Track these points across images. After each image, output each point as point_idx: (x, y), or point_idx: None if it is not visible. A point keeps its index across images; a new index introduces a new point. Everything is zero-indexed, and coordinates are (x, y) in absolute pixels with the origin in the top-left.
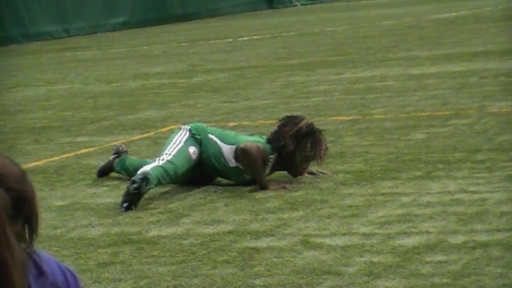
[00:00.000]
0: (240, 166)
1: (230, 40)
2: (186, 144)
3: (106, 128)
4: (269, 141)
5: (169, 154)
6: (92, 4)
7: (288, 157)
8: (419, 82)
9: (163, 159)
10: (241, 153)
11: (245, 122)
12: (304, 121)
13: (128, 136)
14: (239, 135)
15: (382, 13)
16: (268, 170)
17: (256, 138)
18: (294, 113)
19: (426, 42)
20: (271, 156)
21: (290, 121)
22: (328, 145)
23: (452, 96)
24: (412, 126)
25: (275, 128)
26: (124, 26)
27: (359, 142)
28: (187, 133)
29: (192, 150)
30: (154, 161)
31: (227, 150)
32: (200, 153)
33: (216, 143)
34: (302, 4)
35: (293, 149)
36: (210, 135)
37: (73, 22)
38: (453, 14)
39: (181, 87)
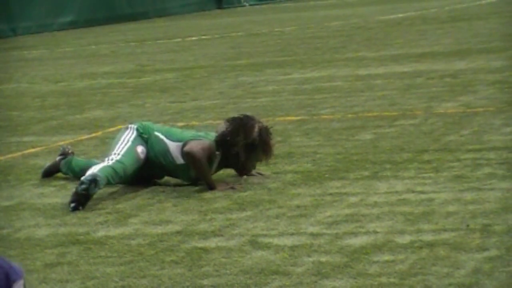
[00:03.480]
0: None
1: (178, 40)
2: (134, 143)
3: (53, 127)
4: (218, 143)
5: (118, 154)
6: (39, 3)
7: (236, 158)
8: (366, 83)
9: (112, 159)
10: (187, 157)
11: (194, 122)
12: (256, 131)
13: (75, 136)
14: (185, 131)
15: (330, 14)
16: (214, 167)
17: (202, 134)
18: (246, 114)
19: (374, 43)
20: (217, 153)
21: (243, 128)
22: (277, 145)
23: (399, 97)
24: (360, 127)
25: (225, 128)
26: (72, 25)
27: (307, 142)
28: (134, 132)
29: (140, 149)
30: (103, 161)
31: (174, 147)
32: (148, 152)
33: (162, 140)
34: (250, 5)
35: (244, 159)
36: (156, 133)
37: (20, 21)
38: (400, 15)
39: (129, 87)
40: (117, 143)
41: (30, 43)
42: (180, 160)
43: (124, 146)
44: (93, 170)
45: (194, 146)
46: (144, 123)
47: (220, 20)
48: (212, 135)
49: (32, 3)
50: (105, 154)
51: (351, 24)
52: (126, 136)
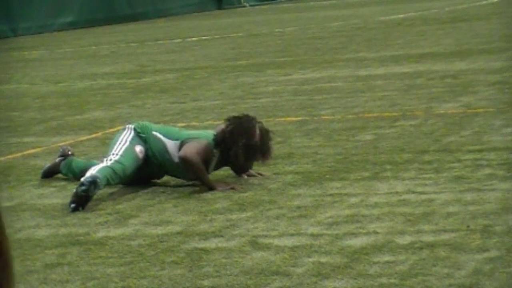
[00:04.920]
0: None
1: (178, 40)
2: (132, 143)
3: (53, 128)
4: (217, 142)
5: (117, 154)
6: (40, 3)
7: (234, 157)
8: (367, 83)
9: (110, 160)
10: (181, 162)
11: (194, 123)
12: (257, 133)
13: (75, 136)
14: (183, 130)
15: (330, 14)
16: (212, 166)
17: (201, 132)
18: (247, 114)
19: (374, 43)
20: (215, 151)
21: (243, 130)
22: (277, 146)
23: (399, 97)
24: (360, 127)
25: (225, 129)
26: (72, 26)
27: (308, 143)
28: (132, 132)
29: (139, 149)
30: (102, 161)
31: (172, 145)
32: (146, 151)
33: (160, 139)
34: (250, 5)
35: (243, 160)
36: (154, 132)
37: (20, 22)
38: (401, 16)
39: (129, 88)
40: (115, 143)
41: (30, 44)
42: (177, 159)
43: (122, 146)
44: (92, 171)
45: (188, 151)
46: (141, 122)
47: (220, 21)
48: (211, 133)
49: (32, 4)
50: (105, 155)
51: (352, 24)
52: (124, 136)
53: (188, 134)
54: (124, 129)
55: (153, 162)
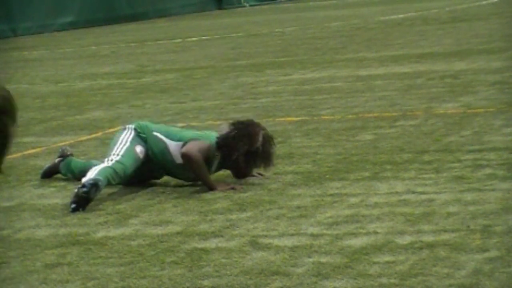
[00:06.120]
0: None
1: (178, 40)
2: (132, 143)
3: (53, 128)
4: (219, 145)
5: (117, 155)
6: (40, 3)
7: (235, 162)
8: (367, 83)
9: (111, 160)
10: (184, 159)
11: (194, 123)
12: (260, 140)
13: (75, 136)
14: (185, 130)
15: (330, 14)
16: (213, 167)
17: (203, 134)
18: (252, 120)
19: (374, 43)
20: (217, 153)
21: (246, 135)
22: (277, 146)
23: (399, 97)
24: (360, 127)
25: (229, 132)
26: (72, 26)
27: (308, 143)
28: (133, 132)
29: (139, 149)
30: (103, 162)
31: (173, 146)
32: (147, 151)
33: (161, 140)
34: (250, 5)
35: (245, 165)
36: (155, 133)
37: (20, 22)
38: (401, 16)
39: (129, 88)
40: (115, 144)
41: (30, 44)
42: (179, 160)
43: (123, 147)
44: (94, 172)
45: (191, 148)
46: (142, 123)
47: (220, 21)
48: (213, 135)
49: (32, 4)
50: (104, 155)
51: (352, 24)
52: (125, 136)
53: (190, 135)
54: (124, 129)
55: (153, 162)
